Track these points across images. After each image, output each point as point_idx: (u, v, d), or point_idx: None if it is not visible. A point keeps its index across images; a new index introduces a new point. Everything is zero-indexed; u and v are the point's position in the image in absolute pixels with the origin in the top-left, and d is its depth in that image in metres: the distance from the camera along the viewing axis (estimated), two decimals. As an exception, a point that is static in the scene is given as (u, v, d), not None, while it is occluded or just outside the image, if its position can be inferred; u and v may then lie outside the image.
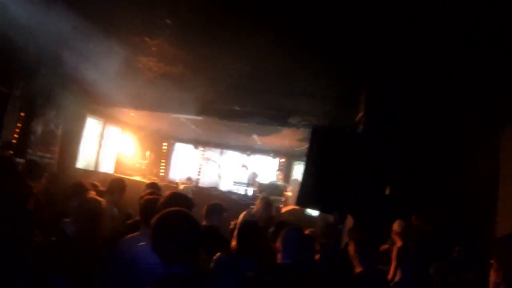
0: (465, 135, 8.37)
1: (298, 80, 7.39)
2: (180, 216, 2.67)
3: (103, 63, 7.76)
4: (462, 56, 5.36)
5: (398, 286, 5.29)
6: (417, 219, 7.16)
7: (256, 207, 6.64)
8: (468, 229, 7.56)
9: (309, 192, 5.95)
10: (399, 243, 6.30)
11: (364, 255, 4.16)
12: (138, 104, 10.18)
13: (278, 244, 3.81)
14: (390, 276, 5.68)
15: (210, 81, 8.00)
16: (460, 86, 6.35)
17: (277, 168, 15.16)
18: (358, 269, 4.12)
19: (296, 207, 9.99)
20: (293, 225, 8.79)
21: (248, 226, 4.56)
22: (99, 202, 4.35)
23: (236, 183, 13.48)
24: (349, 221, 6.26)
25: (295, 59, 6.51)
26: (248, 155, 15.67)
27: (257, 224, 4.90)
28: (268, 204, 6.63)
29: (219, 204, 6.41)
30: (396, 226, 6.50)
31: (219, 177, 15.18)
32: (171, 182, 14.03)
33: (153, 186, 6.79)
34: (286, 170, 15.12)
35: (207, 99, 9.17)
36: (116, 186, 6.46)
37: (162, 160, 16.53)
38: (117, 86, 8.88)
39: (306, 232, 7.14)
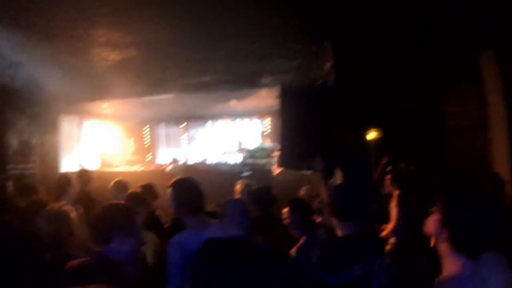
0: (443, 70, 8.21)
1: (260, 40, 7.27)
2: None
3: (57, 64, 7.77)
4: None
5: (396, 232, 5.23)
6: (407, 166, 7.09)
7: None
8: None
9: (289, 153, 5.84)
10: (396, 191, 6.26)
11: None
12: (106, 94, 10.12)
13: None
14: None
15: (169, 57, 7.96)
16: (432, 19, 6.20)
17: (262, 130, 15.15)
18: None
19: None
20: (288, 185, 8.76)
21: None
22: None
23: (224, 153, 13.43)
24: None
25: (250, 18, 6.38)
26: (232, 120, 15.56)
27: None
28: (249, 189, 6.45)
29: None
30: (391, 176, 6.47)
31: (206, 150, 15.12)
32: (158, 165, 13.98)
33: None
34: (273, 130, 15.03)
35: (173, 76, 9.10)
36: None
37: (146, 145, 16.47)
38: (79, 82, 8.86)
39: (302, 191, 7.07)
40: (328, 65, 6.53)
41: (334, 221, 3.75)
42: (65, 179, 6.55)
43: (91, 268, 2.70)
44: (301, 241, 4.47)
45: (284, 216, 4.81)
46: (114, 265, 2.74)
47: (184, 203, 3.71)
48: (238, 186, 6.48)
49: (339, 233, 3.66)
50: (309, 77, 7.83)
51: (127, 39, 6.97)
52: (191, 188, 3.78)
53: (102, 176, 8.16)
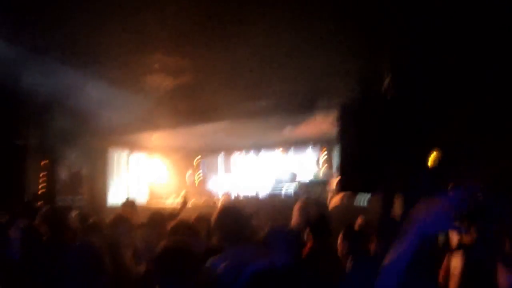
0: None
1: (316, 60, 7.47)
2: None
3: (109, 94, 8.15)
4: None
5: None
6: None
7: (293, 219, 6.53)
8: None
9: (349, 176, 6.00)
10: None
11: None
12: (157, 124, 10.49)
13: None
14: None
15: (225, 82, 8.21)
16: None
17: (317, 158, 15.19)
18: None
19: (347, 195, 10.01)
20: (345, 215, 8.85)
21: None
22: None
23: (279, 182, 13.62)
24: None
25: (307, 39, 6.66)
26: (286, 150, 15.79)
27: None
28: (306, 213, 6.50)
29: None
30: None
31: (259, 181, 15.31)
32: (209, 199, 14.25)
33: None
34: (328, 158, 15.06)
35: (228, 102, 9.33)
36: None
37: (197, 177, 16.82)
38: (131, 112, 9.21)
39: (359, 220, 7.15)
40: (387, 80, 6.64)
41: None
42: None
43: None
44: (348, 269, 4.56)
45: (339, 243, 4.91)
46: None
47: (224, 230, 3.92)
48: (296, 209, 6.63)
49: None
50: (367, 97, 7.96)
51: (182, 64, 7.34)
52: (233, 217, 3.96)
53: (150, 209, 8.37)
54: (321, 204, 10.82)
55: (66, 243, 4.74)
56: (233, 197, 13.32)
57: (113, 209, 11.22)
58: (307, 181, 13.05)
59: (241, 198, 13.13)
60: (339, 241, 4.92)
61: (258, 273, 3.34)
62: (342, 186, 6.22)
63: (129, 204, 7.75)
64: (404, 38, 6.34)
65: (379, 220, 5.44)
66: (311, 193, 12.09)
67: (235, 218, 3.94)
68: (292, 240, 3.72)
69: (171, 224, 5.05)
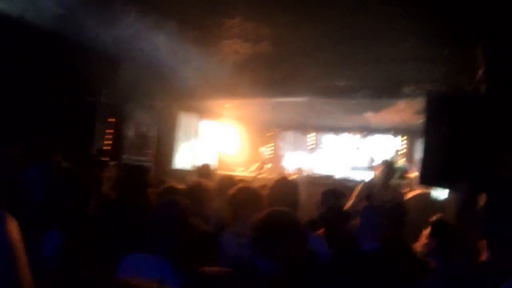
0: None
1: (405, 43, 7.12)
2: None
3: (185, 55, 8.03)
4: None
5: None
6: None
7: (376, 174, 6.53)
8: None
9: (432, 168, 5.75)
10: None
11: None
12: (232, 92, 10.30)
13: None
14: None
15: (304, 56, 7.99)
16: None
17: (397, 148, 14.75)
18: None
19: (424, 191, 9.65)
20: (420, 211, 8.56)
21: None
22: None
23: (354, 168, 13.32)
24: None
25: (394, 18, 6.32)
26: (364, 136, 15.40)
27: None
28: (390, 168, 7.17)
29: (332, 190, 6.29)
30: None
31: (334, 163, 15.03)
32: (281, 173, 14.06)
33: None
34: (408, 149, 14.61)
35: (306, 78, 9.08)
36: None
37: (269, 151, 16.60)
38: (206, 76, 9.10)
39: (435, 218, 6.81)
40: (479, 72, 6.21)
41: (481, 244, 3.64)
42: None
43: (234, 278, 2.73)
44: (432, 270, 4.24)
45: (422, 238, 4.65)
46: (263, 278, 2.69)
47: (275, 203, 3.87)
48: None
49: (483, 256, 3.53)
50: (456, 86, 7.55)
51: (262, 31, 7.11)
52: (285, 190, 4.20)
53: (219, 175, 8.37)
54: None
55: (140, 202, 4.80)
56: (305, 174, 13.16)
57: (179, 173, 11.31)
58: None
59: (312, 176, 12.97)
60: (423, 236, 4.71)
61: (339, 255, 3.22)
62: (422, 179, 5.94)
63: (205, 169, 7.81)
64: (501, 26, 5.88)
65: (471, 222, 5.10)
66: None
67: (287, 192, 4.13)
68: (383, 223, 3.53)
69: (235, 188, 5.00)
